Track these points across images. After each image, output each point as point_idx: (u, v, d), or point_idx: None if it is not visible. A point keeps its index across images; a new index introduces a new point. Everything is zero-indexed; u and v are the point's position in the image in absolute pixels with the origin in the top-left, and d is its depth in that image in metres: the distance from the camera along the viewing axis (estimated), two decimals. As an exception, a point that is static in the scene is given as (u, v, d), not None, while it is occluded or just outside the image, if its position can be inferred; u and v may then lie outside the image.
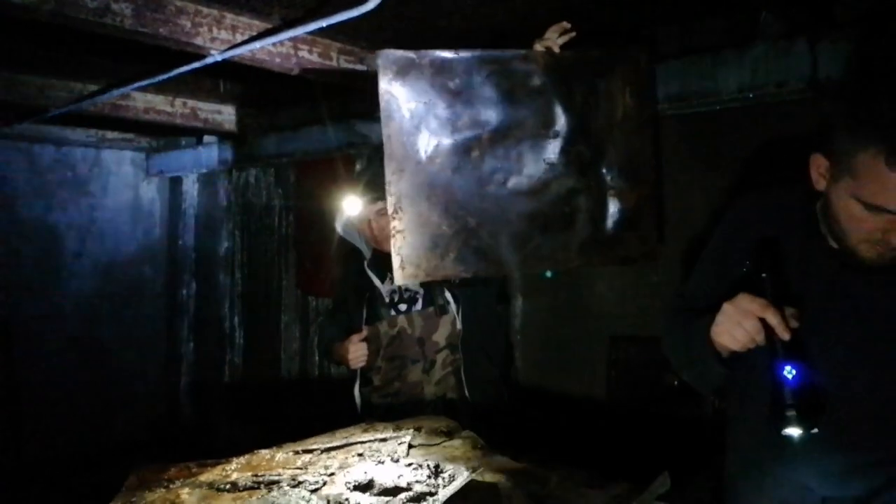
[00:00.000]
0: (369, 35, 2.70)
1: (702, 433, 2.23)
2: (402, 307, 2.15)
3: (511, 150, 1.75)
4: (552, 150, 1.78)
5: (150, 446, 4.22)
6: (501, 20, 2.46)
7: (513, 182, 1.74)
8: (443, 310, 2.10)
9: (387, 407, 2.10)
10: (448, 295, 2.09)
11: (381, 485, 1.41)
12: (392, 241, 1.61)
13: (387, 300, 2.16)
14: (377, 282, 2.16)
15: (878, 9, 1.93)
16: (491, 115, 1.73)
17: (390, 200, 1.61)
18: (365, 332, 2.14)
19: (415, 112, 1.64)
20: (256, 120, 3.77)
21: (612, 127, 1.86)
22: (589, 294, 2.67)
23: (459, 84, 1.69)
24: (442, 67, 1.68)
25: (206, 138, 4.13)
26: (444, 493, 1.35)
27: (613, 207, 1.88)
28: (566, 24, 1.82)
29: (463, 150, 1.68)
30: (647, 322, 2.52)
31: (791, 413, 1.11)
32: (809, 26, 2.01)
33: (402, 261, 1.62)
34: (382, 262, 2.15)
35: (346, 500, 1.34)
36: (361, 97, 3.16)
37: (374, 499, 1.36)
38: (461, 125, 1.69)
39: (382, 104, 1.63)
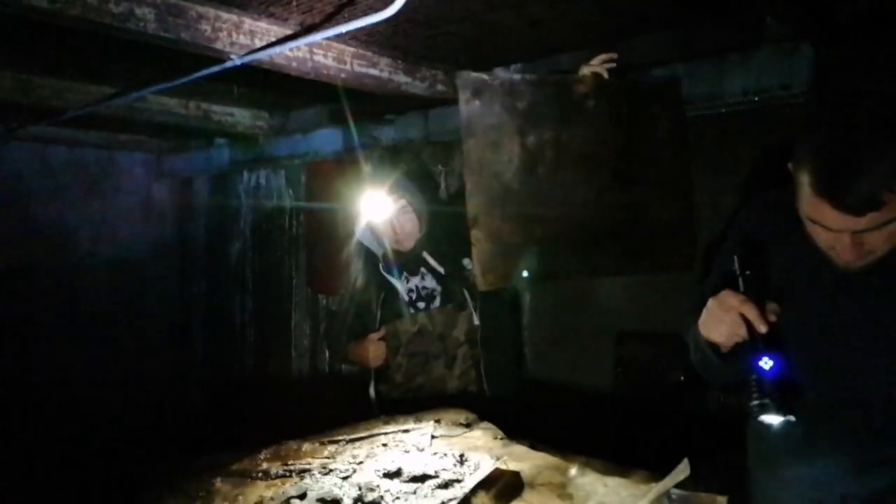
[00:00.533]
0: (382, 40, 2.75)
1: (707, 427, 2.29)
2: (421, 305, 2.21)
3: (570, 167, 1.88)
4: (605, 167, 1.91)
5: (161, 442, 4.28)
6: (511, 25, 2.53)
7: (571, 196, 1.87)
8: (461, 306, 2.18)
9: (409, 401, 2.16)
10: (465, 292, 2.17)
11: (409, 472, 1.47)
12: (473, 249, 1.74)
13: (406, 298, 2.22)
14: (394, 281, 2.22)
15: (878, 12, 1.99)
16: (552, 133, 1.86)
17: (470, 212, 1.72)
18: (382, 332, 2.20)
19: (489, 130, 1.77)
20: (268, 122, 3.83)
21: (654, 147, 1.99)
22: (595, 290, 2.73)
23: (525, 105, 1.82)
24: (511, 89, 1.81)
25: (218, 140, 4.19)
26: (471, 480, 1.41)
27: (657, 220, 2.00)
28: (614, 55, 1.96)
29: (529, 167, 1.81)
30: (653, 318, 2.58)
31: (766, 401, 1.19)
32: (813, 29, 2.07)
33: (482, 269, 1.76)
34: (400, 261, 2.21)
35: (377, 486, 1.41)
36: (372, 100, 3.22)
37: (404, 485, 1.42)
38: (528, 143, 1.81)
39: (463, 122, 1.75)
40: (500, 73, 1.85)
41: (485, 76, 1.79)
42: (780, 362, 1.19)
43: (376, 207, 2.15)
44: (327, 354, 3.70)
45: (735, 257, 1.30)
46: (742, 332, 1.22)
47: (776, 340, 1.20)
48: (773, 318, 1.22)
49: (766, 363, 1.19)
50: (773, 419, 1.20)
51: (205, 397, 4.50)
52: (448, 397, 2.17)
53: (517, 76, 1.84)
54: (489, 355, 2.18)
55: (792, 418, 1.20)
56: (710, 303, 1.26)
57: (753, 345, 1.21)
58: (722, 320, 1.24)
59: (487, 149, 1.74)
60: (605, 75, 2.03)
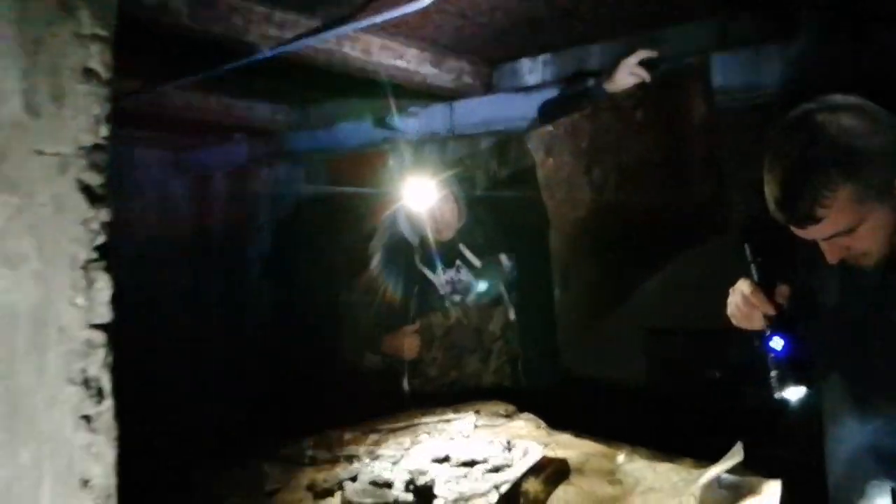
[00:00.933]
0: (409, 31, 2.75)
1: (745, 421, 2.28)
2: (457, 298, 2.21)
3: (628, 182, 1.92)
4: (653, 168, 1.94)
5: (175, 445, 4.27)
6: (542, 15, 2.52)
7: (632, 209, 1.91)
8: (497, 300, 2.17)
9: (442, 396, 2.15)
10: (501, 286, 2.16)
11: (457, 458, 1.47)
12: (570, 300, 1.75)
13: (441, 291, 2.21)
14: (430, 273, 2.21)
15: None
16: (612, 159, 1.91)
17: (563, 270, 1.75)
18: (417, 325, 2.19)
19: (563, 183, 1.83)
20: (288, 116, 3.84)
21: (689, 132, 2.02)
22: (626, 287, 2.72)
23: (587, 142, 1.87)
24: (573, 131, 1.84)
25: (236, 135, 4.19)
26: (520, 465, 1.41)
27: (695, 201, 2.03)
28: (653, 53, 1.97)
29: (597, 199, 1.86)
30: (684, 316, 2.57)
31: (782, 378, 1.27)
32: (852, 20, 2.06)
33: (582, 318, 1.78)
34: (437, 253, 2.20)
35: (427, 470, 1.41)
36: (396, 92, 3.22)
37: (454, 469, 1.42)
38: (594, 178, 1.87)
39: (542, 185, 1.80)
40: (563, 119, 1.88)
41: (550, 127, 1.83)
42: (789, 340, 1.27)
43: (418, 196, 2.13)
44: (346, 348, 3.68)
45: (746, 246, 1.37)
46: (756, 317, 1.30)
47: (786, 321, 1.29)
48: (780, 300, 1.30)
49: (776, 342, 1.27)
50: (792, 393, 1.28)
51: (221, 396, 4.50)
52: (483, 392, 2.16)
53: (576, 115, 1.87)
54: (527, 350, 2.18)
55: (809, 390, 1.27)
56: (730, 292, 1.35)
57: (768, 326, 1.30)
58: (739, 308, 1.33)
59: (566, 203, 1.79)
60: (647, 78, 2.03)
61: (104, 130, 0.45)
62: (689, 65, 2.20)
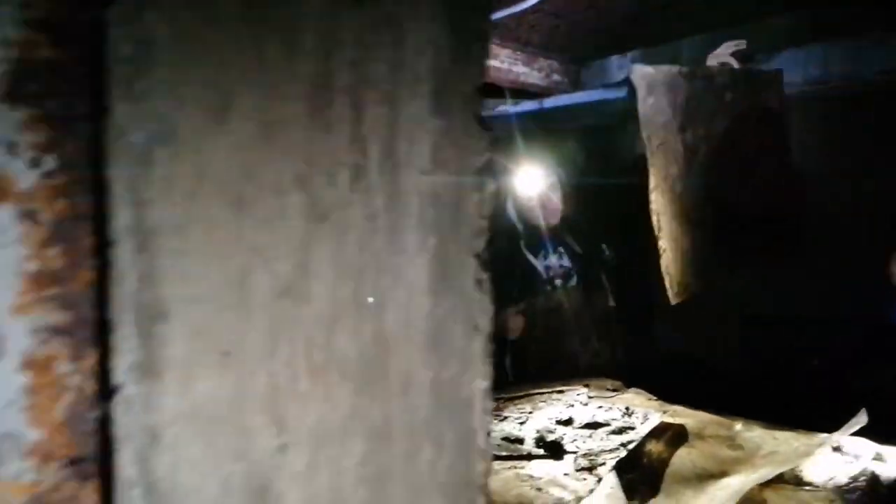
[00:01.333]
0: (505, 32, 2.88)
1: (848, 411, 2.27)
2: (558, 282, 2.30)
3: (715, 162, 1.93)
4: (744, 153, 1.97)
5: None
6: (636, 11, 2.61)
7: (716, 193, 1.92)
8: (597, 286, 2.26)
9: (542, 376, 2.25)
10: (601, 273, 2.25)
11: (580, 421, 1.56)
12: (661, 261, 1.77)
13: (543, 276, 2.31)
14: (532, 259, 2.32)
15: None
16: (704, 129, 1.91)
17: (654, 219, 1.73)
18: (522, 306, 2.30)
19: (660, 130, 1.79)
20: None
21: (769, 128, 2.04)
22: (721, 274, 2.74)
23: (682, 100, 1.85)
24: (671, 82, 1.83)
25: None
26: (643, 428, 1.49)
27: (772, 201, 2.05)
28: (742, 42, 2.02)
29: (687, 166, 1.84)
30: (780, 303, 2.57)
31: None
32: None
33: (671, 280, 1.77)
34: (541, 239, 2.31)
35: (554, 429, 1.50)
36: (489, 91, 3.34)
37: (579, 430, 1.51)
38: (686, 140, 1.83)
39: (642, 122, 1.73)
40: (663, 66, 1.88)
41: (652, 69, 1.82)
42: None
43: (526, 184, 2.25)
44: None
45: None
46: None
47: None
48: None
49: None
50: None
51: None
52: (583, 372, 2.24)
53: (675, 69, 1.87)
54: (624, 334, 2.25)
55: None
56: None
57: None
58: (892, 272, 1.50)
59: (660, 153, 1.76)
60: (736, 65, 2.08)
61: (482, 80, 0.63)
62: (767, 71, 2.25)
